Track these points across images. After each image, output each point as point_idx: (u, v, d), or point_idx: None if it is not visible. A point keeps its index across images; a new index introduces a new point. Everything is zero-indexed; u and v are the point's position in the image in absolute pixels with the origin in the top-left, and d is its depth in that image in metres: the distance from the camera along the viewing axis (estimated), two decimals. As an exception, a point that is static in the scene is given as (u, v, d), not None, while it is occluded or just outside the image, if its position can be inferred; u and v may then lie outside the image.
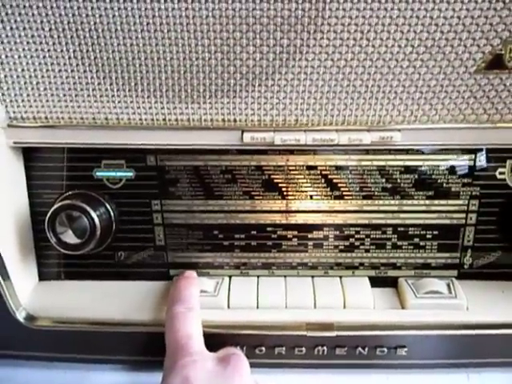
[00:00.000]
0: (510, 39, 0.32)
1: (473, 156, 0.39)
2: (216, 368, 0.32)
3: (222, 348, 0.35)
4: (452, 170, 0.39)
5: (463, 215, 0.40)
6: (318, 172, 0.39)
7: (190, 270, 0.41)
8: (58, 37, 0.33)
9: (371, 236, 0.41)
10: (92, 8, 0.31)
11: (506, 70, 0.33)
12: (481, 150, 0.38)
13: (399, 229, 0.40)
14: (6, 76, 0.34)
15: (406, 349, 0.38)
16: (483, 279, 0.41)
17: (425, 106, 0.35)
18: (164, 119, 0.36)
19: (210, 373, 0.31)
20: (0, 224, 0.37)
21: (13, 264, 0.38)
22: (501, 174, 0.39)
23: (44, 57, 0.33)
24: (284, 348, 0.38)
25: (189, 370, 0.31)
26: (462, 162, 0.39)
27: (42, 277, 0.42)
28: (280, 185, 0.40)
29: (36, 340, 0.39)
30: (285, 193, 0.40)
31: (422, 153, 0.39)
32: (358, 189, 0.40)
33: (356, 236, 0.41)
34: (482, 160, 0.39)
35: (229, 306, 0.39)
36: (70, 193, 0.38)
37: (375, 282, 0.41)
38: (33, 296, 0.40)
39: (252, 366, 0.37)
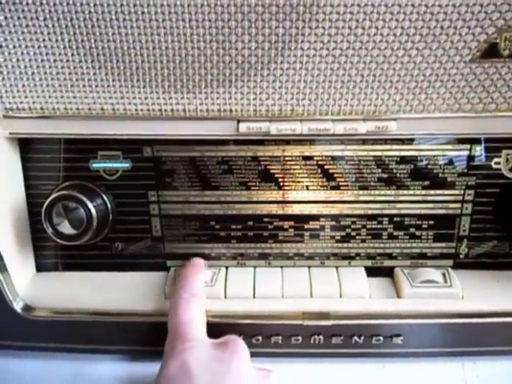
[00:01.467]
0: (505, 28, 0.32)
1: (468, 146, 0.39)
2: (214, 352, 0.32)
3: (219, 337, 0.35)
4: (448, 160, 0.39)
5: (459, 205, 0.40)
6: (315, 162, 0.39)
7: (187, 260, 0.42)
8: (53, 26, 0.33)
9: (367, 226, 0.41)
10: (86, -3, 0.31)
11: (501, 58, 0.33)
12: (476, 139, 0.38)
13: (395, 219, 0.41)
14: (0, 66, 0.34)
15: (401, 337, 0.38)
16: (478, 269, 0.41)
17: (420, 95, 0.35)
18: (160, 109, 0.36)
19: (208, 357, 0.32)
20: (-3, 215, 0.37)
21: (10, 255, 0.38)
22: (496, 163, 0.39)
23: (39, 47, 0.33)
24: (281, 337, 0.38)
25: (187, 354, 0.31)
26: (457, 152, 0.39)
27: (40, 268, 0.42)
28: (276, 175, 0.40)
29: (34, 330, 0.40)
30: (281, 183, 0.40)
31: (418, 143, 0.39)
32: (354, 179, 0.40)
33: (352, 226, 0.41)
34: (477, 150, 0.39)
35: (226, 296, 0.39)
36: (66, 184, 0.38)
37: (371, 272, 0.41)
38: (30, 287, 0.40)
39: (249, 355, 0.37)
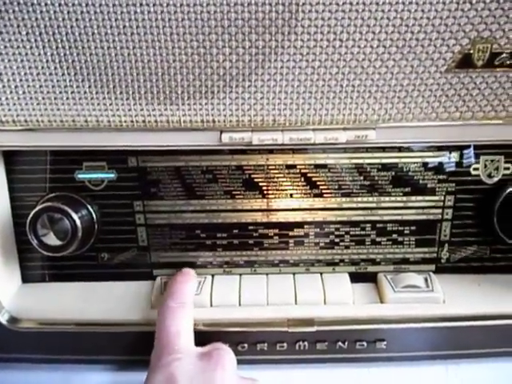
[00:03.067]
0: (478, 39, 0.33)
1: (447, 153, 0.40)
2: (199, 363, 0.32)
3: (205, 345, 0.35)
4: (427, 166, 0.40)
5: (439, 211, 0.41)
6: (298, 171, 0.40)
7: (173, 269, 0.42)
8: (35, 40, 0.33)
9: (350, 233, 0.41)
10: (68, 12, 0.32)
11: (475, 68, 0.34)
12: (455, 147, 0.39)
13: (378, 225, 0.41)
14: (-16, 80, 0.34)
15: (385, 342, 0.39)
16: (460, 273, 0.42)
17: (398, 104, 0.35)
18: (143, 121, 0.36)
19: (194, 368, 0.32)
20: (-19, 227, 0.37)
21: (-5, 267, 0.38)
22: (475, 169, 0.40)
23: (22, 60, 0.34)
24: (266, 344, 0.39)
25: (173, 367, 0.32)
26: (436, 159, 0.40)
27: (26, 279, 0.42)
28: (260, 184, 0.40)
29: (20, 342, 0.39)
30: (265, 192, 0.41)
31: (399, 150, 0.39)
32: (336, 187, 0.40)
33: (336, 233, 0.41)
34: (455, 157, 0.40)
35: (211, 304, 0.39)
36: (51, 195, 0.39)
37: (355, 278, 0.41)
38: (16, 298, 0.40)
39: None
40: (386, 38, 0.33)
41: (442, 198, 0.41)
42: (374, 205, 0.41)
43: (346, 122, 0.36)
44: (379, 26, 0.32)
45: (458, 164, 0.40)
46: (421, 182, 0.40)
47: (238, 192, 0.41)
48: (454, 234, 0.41)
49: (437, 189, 0.40)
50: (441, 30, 0.32)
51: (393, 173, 0.40)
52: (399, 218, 0.41)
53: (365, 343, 0.39)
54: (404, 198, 0.41)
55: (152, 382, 0.32)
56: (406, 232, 0.41)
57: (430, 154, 0.40)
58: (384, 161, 0.40)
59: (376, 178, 0.40)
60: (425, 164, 0.40)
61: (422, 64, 0.34)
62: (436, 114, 0.36)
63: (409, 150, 0.39)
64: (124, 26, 0.32)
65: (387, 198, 0.41)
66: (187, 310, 0.37)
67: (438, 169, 0.40)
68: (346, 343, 0.39)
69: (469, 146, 0.39)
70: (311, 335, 0.38)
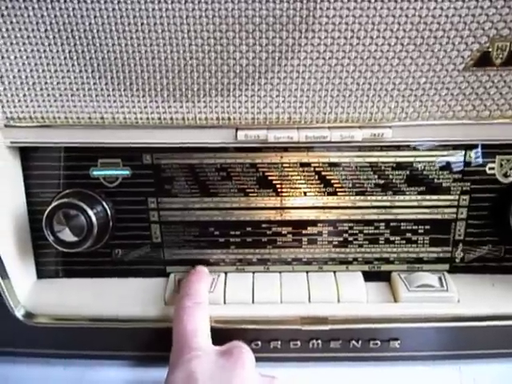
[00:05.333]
0: (497, 37, 0.32)
1: (463, 152, 0.39)
2: (219, 361, 0.32)
3: (220, 342, 0.35)
4: (443, 165, 0.40)
5: (454, 210, 0.41)
6: (312, 169, 0.40)
7: (187, 266, 0.42)
8: (54, 37, 0.33)
9: (364, 231, 0.41)
10: (87, 9, 0.32)
11: (493, 67, 0.34)
12: (471, 146, 0.39)
13: (392, 224, 0.41)
14: (2, 76, 0.35)
15: (398, 341, 0.39)
16: (474, 273, 0.42)
17: (415, 103, 0.35)
18: (159, 118, 0.36)
19: (214, 366, 0.32)
20: (-2, 223, 0.38)
21: (11, 263, 0.39)
22: (490, 169, 0.40)
23: (40, 57, 0.34)
24: (279, 342, 0.39)
25: (193, 364, 0.32)
26: (452, 158, 0.40)
27: (40, 275, 0.42)
28: (274, 182, 0.40)
29: (35, 337, 0.40)
30: (279, 190, 0.41)
31: (414, 149, 0.39)
32: (350, 185, 0.40)
33: (349, 231, 0.41)
34: (471, 156, 0.40)
35: (225, 302, 0.39)
36: (67, 191, 0.39)
37: (369, 277, 0.41)
38: (31, 294, 0.41)
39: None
40: (404, 36, 0.33)
41: (457, 197, 0.40)
42: (388, 203, 0.41)
43: (362, 121, 0.36)
44: (397, 23, 0.32)
45: (474, 163, 0.40)
46: (435, 181, 0.40)
47: (252, 190, 0.41)
48: (469, 233, 0.41)
49: (452, 188, 0.40)
50: (459, 28, 0.32)
51: (407, 171, 0.40)
52: (413, 217, 0.41)
53: (378, 342, 0.39)
54: (418, 197, 0.40)
55: (172, 379, 0.32)
56: (420, 231, 0.41)
57: (446, 152, 0.39)
58: (399, 159, 0.40)
59: (390, 176, 0.40)
60: (440, 163, 0.40)
61: (439, 62, 0.34)
62: (453, 113, 0.36)
63: (424, 148, 0.39)
64: (142, 24, 0.32)
65: (401, 197, 0.40)
66: (203, 309, 0.37)
67: (453, 168, 0.40)
68: (360, 342, 0.39)
69: (485, 145, 0.39)
70: (325, 333, 0.38)
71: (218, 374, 0.31)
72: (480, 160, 0.40)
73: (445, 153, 0.39)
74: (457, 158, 0.40)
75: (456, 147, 0.39)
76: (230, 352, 0.33)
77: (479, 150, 0.39)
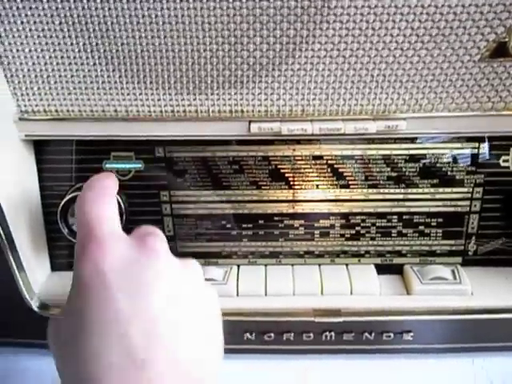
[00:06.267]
0: (513, 27, 0.32)
1: (477, 144, 0.39)
2: (130, 250, 0.28)
3: (232, 336, 0.35)
4: (456, 158, 0.39)
5: (467, 203, 0.41)
6: (324, 162, 0.40)
7: (199, 259, 0.42)
8: (68, 30, 0.33)
9: (377, 224, 0.41)
10: (101, 1, 0.32)
11: (510, 57, 0.33)
12: (484, 138, 0.39)
13: (404, 217, 0.41)
14: (17, 70, 0.35)
15: (411, 334, 0.39)
16: (487, 265, 0.42)
17: (430, 94, 0.35)
18: (172, 111, 0.36)
19: (124, 257, 0.27)
20: (13, 216, 0.38)
21: (26, 255, 0.39)
22: (504, 161, 0.39)
23: (54, 50, 0.34)
24: (292, 334, 0.39)
25: (100, 256, 0.27)
26: (466, 150, 0.39)
27: (55, 267, 0.43)
28: (287, 175, 0.40)
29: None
30: (291, 182, 0.41)
31: (427, 141, 0.39)
32: (363, 178, 0.40)
33: (362, 224, 0.41)
34: (485, 148, 0.39)
35: (238, 294, 0.39)
36: (80, 184, 0.39)
37: (381, 270, 0.41)
38: (46, 286, 0.41)
39: (261, 352, 0.38)
40: (419, 27, 0.32)
41: (471, 189, 0.40)
42: (401, 196, 0.40)
43: (376, 113, 0.36)
44: (413, 13, 0.32)
45: (488, 155, 0.39)
46: (449, 173, 0.40)
47: (264, 183, 0.41)
48: (482, 226, 0.41)
49: (465, 180, 0.40)
50: (476, 18, 0.32)
51: (421, 164, 0.40)
52: (426, 209, 0.41)
53: (391, 334, 0.39)
54: (432, 190, 0.40)
55: (78, 274, 0.27)
56: (433, 224, 0.41)
57: (459, 145, 0.39)
58: (412, 152, 0.39)
59: (403, 169, 0.40)
60: (453, 155, 0.39)
61: (455, 53, 0.33)
62: (467, 104, 0.36)
63: (437, 140, 0.39)
64: (156, 16, 0.32)
65: (414, 190, 0.40)
66: (109, 196, 0.31)
67: (467, 160, 0.39)
68: (373, 334, 0.39)
69: (499, 137, 0.39)
70: (338, 326, 0.38)
71: (128, 266, 0.27)
72: (494, 152, 0.39)
73: (458, 145, 0.39)
74: (470, 150, 0.39)
75: (470, 139, 0.39)
76: (142, 240, 0.28)
77: (493, 141, 0.39)
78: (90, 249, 0.27)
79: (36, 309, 0.39)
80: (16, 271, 0.38)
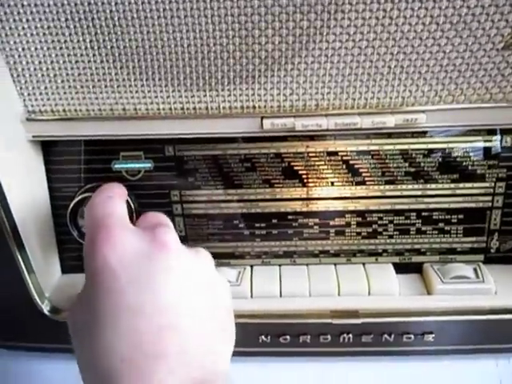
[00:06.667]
0: (540, 12, 0.30)
1: (499, 137, 0.37)
2: (139, 243, 0.27)
3: (247, 338, 0.35)
4: (477, 151, 0.38)
5: (489, 198, 0.39)
6: (339, 158, 0.39)
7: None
8: (75, 27, 0.32)
9: (394, 222, 0.40)
10: (108, -4, 0.31)
11: (535, 45, 0.32)
12: (507, 130, 0.37)
13: (423, 214, 0.39)
14: (23, 69, 0.34)
15: (433, 335, 0.37)
16: (510, 263, 0.40)
17: (450, 85, 0.34)
18: (182, 108, 0.35)
19: (133, 250, 0.27)
20: (22, 219, 0.37)
21: (36, 258, 0.38)
22: (528, 154, 0.38)
23: (61, 48, 0.33)
24: (309, 336, 0.38)
25: (108, 250, 0.26)
26: (487, 144, 0.38)
27: (65, 270, 0.42)
28: (300, 172, 0.39)
29: (61, 332, 0.39)
30: (305, 180, 0.39)
31: (446, 134, 0.37)
32: (380, 174, 0.39)
33: (379, 222, 0.40)
34: (508, 141, 0.38)
35: (252, 295, 0.38)
36: (90, 185, 0.38)
37: (399, 269, 0.40)
38: (56, 289, 0.40)
39: (277, 354, 0.37)
40: (439, 14, 0.31)
41: (493, 184, 0.39)
42: (419, 192, 0.39)
43: (393, 106, 0.34)
44: (433, 0, 0.30)
45: (510, 148, 0.38)
46: (470, 167, 0.38)
47: (277, 181, 0.39)
48: (505, 222, 0.39)
49: (487, 175, 0.38)
50: (499, 4, 0.30)
51: (440, 158, 0.38)
52: (446, 206, 0.39)
53: (412, 336, 0.37)
54: (452, 185, 0.39)
55: (89, 271, 0.27)
56: (453, 221, 0.40)
57: (480, 138, 0.38)
58: (430, 146, 0.38)
59: (422, 164, 0.38)
60: (474, 149, 0.38)
61: (477, 41, 0.32)
62: (490, 95, 0.34)
63: (457, 133, 0.37)
64: (164, 9, 0.31)
65: (434, 186, 0.39)
66: (118, 199, 0.31)
67: (488, 154, 0.38)
68: (393, 336, 0.37)
69: (522, 129, 0.37)
70: (356, 327, 0.37)
71: (139, 259, 0.26)
72: (517, 145, 0.38)
73: (479, 138, 0.38)
74: (492, 143, 0.38)
75: (491, 131, 0.37)
76: (152, 232, 0.28)
77: (516, 134, 0.37)
78: (100, 241, 0.27)
79: (47, 313, 0.38)
80: (26, 274, 0.37)
